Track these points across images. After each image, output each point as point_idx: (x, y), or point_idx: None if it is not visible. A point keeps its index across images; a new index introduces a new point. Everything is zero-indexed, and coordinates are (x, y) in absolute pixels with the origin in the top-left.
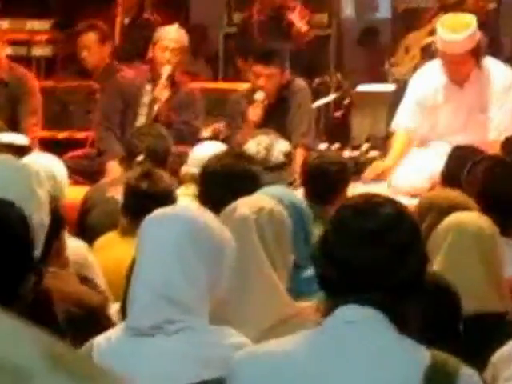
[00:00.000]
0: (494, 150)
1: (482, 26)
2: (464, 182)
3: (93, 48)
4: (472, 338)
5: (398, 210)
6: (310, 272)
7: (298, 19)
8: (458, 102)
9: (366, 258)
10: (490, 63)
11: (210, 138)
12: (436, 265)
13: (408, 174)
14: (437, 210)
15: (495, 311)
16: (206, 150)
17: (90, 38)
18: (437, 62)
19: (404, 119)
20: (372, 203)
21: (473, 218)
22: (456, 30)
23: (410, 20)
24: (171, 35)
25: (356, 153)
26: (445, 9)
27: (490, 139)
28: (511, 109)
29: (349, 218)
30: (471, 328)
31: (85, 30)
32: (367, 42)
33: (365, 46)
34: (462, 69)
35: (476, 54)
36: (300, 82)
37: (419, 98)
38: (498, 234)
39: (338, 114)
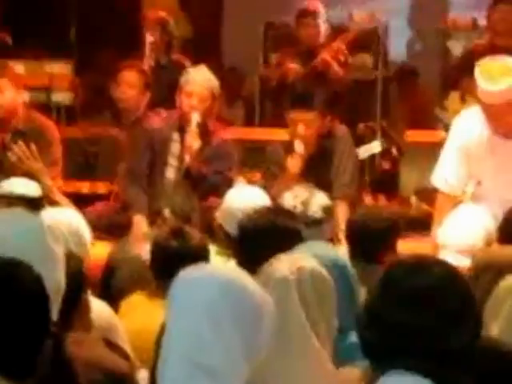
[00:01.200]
0: None
1: None
2: None
3: (134, 89)
4: None
5: (451, 271)
6: (354, 338)
7: (333, 60)
8: (505, 153)
9: (415, 319)
10: None
11: None
12: (495, 330)
13: (459, 231)
14: (495, 270)
15: None
16: (239, 198)
17: (133, 77)
18: (481, 109)
19: (445, 174)
20: (424, 263)
21: None
22: (495, 78)
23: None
24: (197, 78)
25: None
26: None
27: None
28: None
29: (399, 277)
30: None
31: (127, 67)
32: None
33: (406, 89)
34: (505, 119)
35: None
36: (342, 129)
37: (461, 149)
38: None
39: (385, 164)
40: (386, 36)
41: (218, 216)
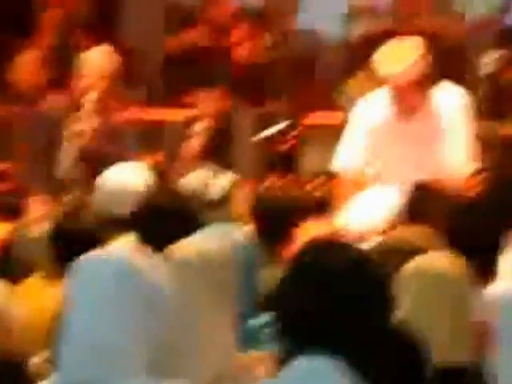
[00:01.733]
0: (455, 186)
1: None
2: (429, 220)
3: (31, 70)
4: None
5: (362, 254)
6: (257, 320)
7: (242, 42)
8: (408, 136)
9: (325, 302)
10: (443, 90)
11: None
12: (401, 313)
13: (362, 214)
14: (400, 252)
15: (458, 364)
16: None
17: (30, 58)
18: (383, 91)
19: (346, 157)
20: (335, 246)
21: (439, 261)
22: (398, 59)
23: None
24: (95, 58)
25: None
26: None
27: (447, 174)
28: (468, 140)
29: (309, 261)
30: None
31: (23, 48)
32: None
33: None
34: (409, 99)
35: (424, 83)
36: (243, 110)
37: (363, 132)
38: (467, 276)
39: (285, 145)
40: (292, 18)
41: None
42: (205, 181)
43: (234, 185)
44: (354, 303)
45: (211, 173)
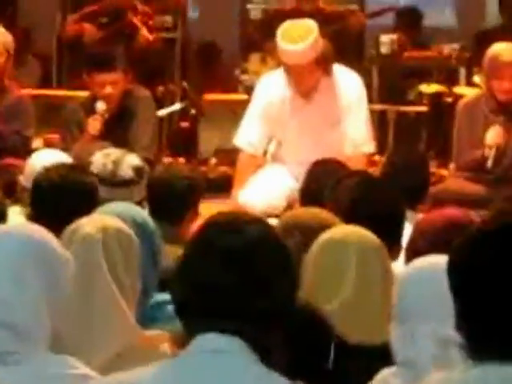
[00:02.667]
0: (354, 165)
1: None
2: (328, 199)
3: None
4: (352, 370)
5: (266, 230)
6: (159, 297)
7: (141, 23)
8: (306, 115)
9: (227, 279)
10: (340, 72)
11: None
12: (307, 289)
13: (262, 192)
14: (302, 230)
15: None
16: (42, 161)
17: None
18: (282, 70)
19: (247, 135)
20: (238, 222)
21: (354, 233)
22: (296, 39)
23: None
24: None
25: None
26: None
27: (346, 154)
28: (365, 120)
29: (213, 238)
30: (353, 359)
31: None
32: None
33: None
34: (307, 80)
35: (322, 63)
36: (142, 91)
37: (263, 110)
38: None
39: (183, 124)
40: None
41: (22, 179)
42: (114, 160)
43: (141, 164)
44: (256, 280)
45: (122, 152)
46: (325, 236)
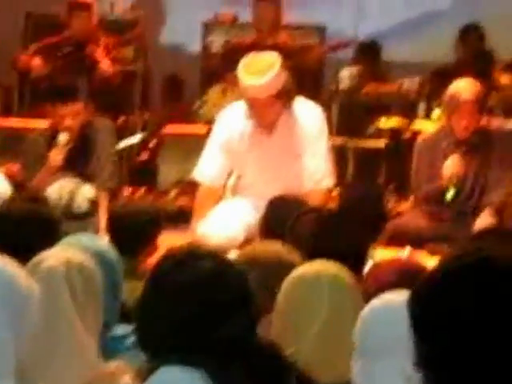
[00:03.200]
0: (313, 199)
1: None
2: (289, 234)
3: None
4: None
5: (222, 263)
6: (120, 330)
7: (103, 55)
8: (267, 149)
9: (184, 312)
10: (301, 105)
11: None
12: (279, 326)
13: (220, 225)
14: (261, 264)
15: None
16: None
17: None
18: (243, 103)
19: (207, 167)
20: (194, 256)
21: (328, 269)
22: (258, 72)
23: (228, 58)
24: None
25: (163, 199)
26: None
27: (306, 188)
28: (325, 155)
29: (168, 271)
30: None
31: None
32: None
33: (168, 82)
34: (268, 114)
35: (283, 97)
36: (103, 122)
37: (223, 143)
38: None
39: (143, 156)
40: (147, 28)
41: None
42: (70, 192)
43: (98, 196)
44: (212, 313)
45: (76, 184)
46: (297, 272)
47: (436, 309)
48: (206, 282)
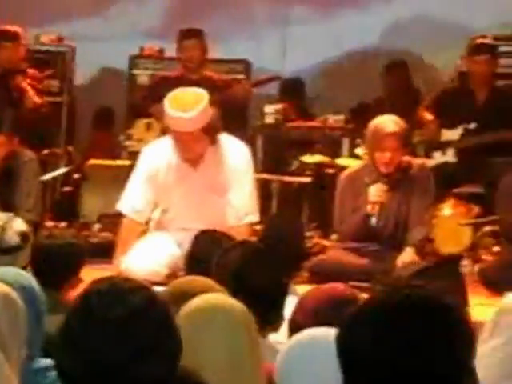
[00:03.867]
0: (237, 234)
1: None
2: (214, 269)
3: None
4: None
5: (151, 298)
6: (42, 362)
7: (30, 87)
8: (192, 183)
9: (111, 349)
10: (227, 141)
11: None
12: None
13: (144, 258)
14: (189, 299)
15: None
16: None
17: None
18: (169, 137)
19: (131, 200)
20: (120, 290)
21: (222, 303)
22: (185, 106)
23: (154, 92)
24: None
25: (87, 232)
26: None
27: (230, 223)
28: (250, 191)
29: (93, 305)
30: None
31: None
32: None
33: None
34: (194, 148)
35: (210, 131)
36: (27, 154)
37: (148, 177)
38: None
39: (67, 188)
40: (73, 60)
41: None
42: (1, 225)
43: (27, 229)
44: (139, 347)
45: (8, 217)
46: (190, 304)
47: (362, 344)
48: (134, 317)
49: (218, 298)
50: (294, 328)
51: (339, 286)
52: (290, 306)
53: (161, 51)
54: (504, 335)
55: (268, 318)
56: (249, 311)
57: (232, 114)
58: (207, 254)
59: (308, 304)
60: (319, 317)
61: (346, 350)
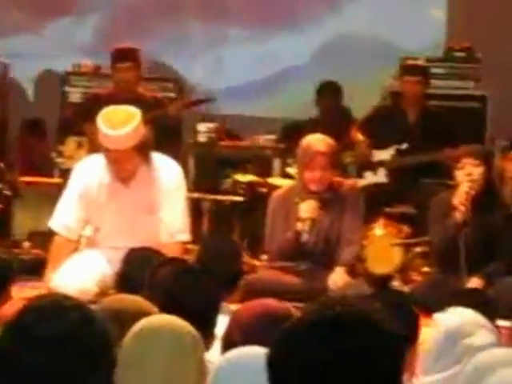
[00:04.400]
0: (169, 252)
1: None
2: (146, 287)
3: None
4: None
5: (88, 315)
6: None
7: None
8: (123, 201)
9: (50, 365)
10: (159, 160)
11: None
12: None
13: (74, 276)
14: (121, 317)
15: None
16: None
17: None
18: (101, 154)
19: (62, 218)
20: (58, 307)
21: (168, 323)
22: (117, 124)
23: (86, 109)
24: None
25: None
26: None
27: (162, 241)
28: (182, 209)
29: (32, 323)
30: None
31: None
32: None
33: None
34: (126, 166)
35: (142, 150)
36: None
37: (80, 194)
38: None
39: None
40: (6, 77)
41: None
42: None
43: None
44: (79, 365)
45: None
46: (138, 325)
47: (291, 361)
48: (73, 334)
49: (166, 319)
50: (228, 345)
51: (273, 302)
52: (221, 324)
53: (97, 68)
54: (465, 360)
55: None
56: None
57: (165, 133)
58: (138, 272)
59: (242, 320)
60: (253, 333)
61: (275, 366)
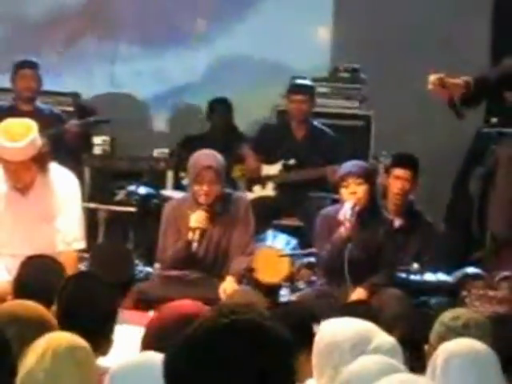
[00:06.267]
0: (65, 260)
1: None
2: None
3: None
4: None
5: None
6: None
7: None
8: (21, 210)
9: None
10: (56, 170)
11: None
12: None
13: None
14: (19, 322)
15: None
16: None
17: None
18: None
19: None
20: None
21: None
22: (15, 136)
23: None
24: None
25: None
26: None
27: (58, 249)
28: (78, 218)
29: None
30: None
31: None
32: None
33: None
34: (24, 176)
35: (39, 160)
36: None
37: None
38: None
39: None
40: None
41: None
42: None
43: None
44: None
45: None
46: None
47: (185, 367)
48: None
49: (62, 336)
50: (146, 346)
51: (188, 304)
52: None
53: None
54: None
55: (97, 342)
56: (79, 337)
57: (63, 145)
58: (34, 278)
59: (156, 322)
60: (167, 334)
61: (170, 372)
